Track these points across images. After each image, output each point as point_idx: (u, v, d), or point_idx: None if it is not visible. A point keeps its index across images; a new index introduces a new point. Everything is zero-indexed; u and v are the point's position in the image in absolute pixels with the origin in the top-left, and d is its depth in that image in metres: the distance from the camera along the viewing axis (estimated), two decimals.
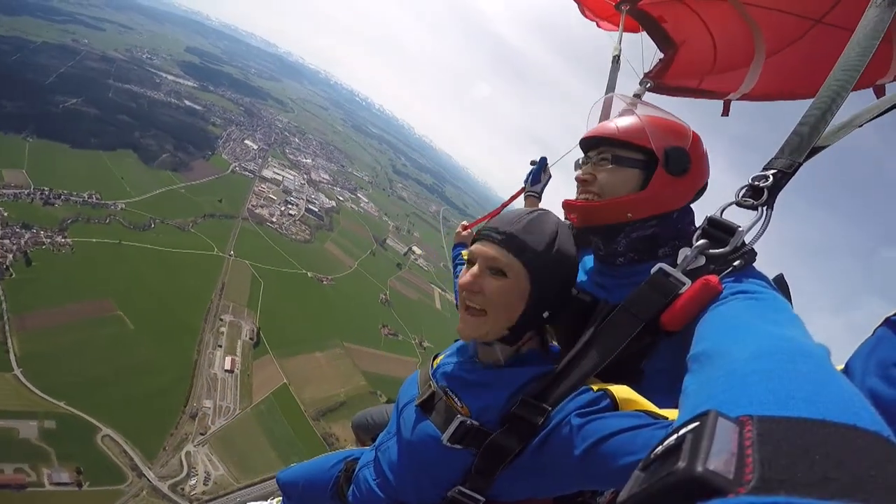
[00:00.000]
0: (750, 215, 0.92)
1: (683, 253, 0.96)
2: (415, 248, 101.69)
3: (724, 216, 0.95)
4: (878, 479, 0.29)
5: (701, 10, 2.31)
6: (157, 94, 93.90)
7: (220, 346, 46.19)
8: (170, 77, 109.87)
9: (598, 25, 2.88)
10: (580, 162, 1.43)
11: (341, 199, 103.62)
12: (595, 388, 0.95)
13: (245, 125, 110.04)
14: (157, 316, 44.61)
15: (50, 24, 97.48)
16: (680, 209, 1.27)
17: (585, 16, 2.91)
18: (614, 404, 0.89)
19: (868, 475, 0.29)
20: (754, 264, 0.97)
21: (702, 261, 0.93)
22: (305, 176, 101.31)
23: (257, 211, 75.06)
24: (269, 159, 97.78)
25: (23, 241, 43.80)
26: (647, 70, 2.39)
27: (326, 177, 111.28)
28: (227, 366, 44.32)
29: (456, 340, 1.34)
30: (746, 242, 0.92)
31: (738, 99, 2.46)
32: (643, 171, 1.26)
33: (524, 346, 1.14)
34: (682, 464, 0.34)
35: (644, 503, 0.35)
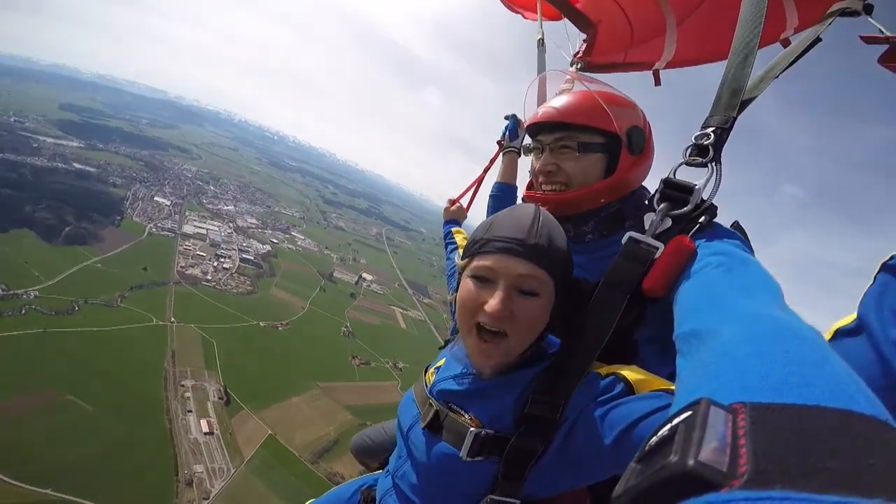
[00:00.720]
0: (700, 173, 0.93)
1: (650, 218, 0.94)
2: (365, 275, 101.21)
3: (676, 177, 0.95)
4: (877, 467, 0.28)
5: None
6: (39, 160, 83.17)
7: (191, 411, 44.13)
8: (48, 139, 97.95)
9: (524, 16, 3.03)
10: (529, 147, 1.43)
11: (275, 241, 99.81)
12: (603, 372, 0.93)
13: (150, 181, 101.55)
14: (112, 394, 41.31)
15: None
16: None
17: (509, 9, 3.08)
18: (628, 387, 0.87)
19: (867, 464, 0.28)
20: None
21: (668, 223, 0.92)
22: (231, 224, 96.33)
23: (188, 272, 69.89)
24: (187, 213, 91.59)
25: None
26: (574, 52, 2.51)
27: (254, 221, 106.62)
28: (205, 428, 42.54)
29: (441, 348, 1.32)
30: (705, 199, 0.90)
31: (665, 67, 2.57)
32: (606, 155, 1.31)
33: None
34: (674, 457, 0.33)
35: (639, 497, 0.34)
